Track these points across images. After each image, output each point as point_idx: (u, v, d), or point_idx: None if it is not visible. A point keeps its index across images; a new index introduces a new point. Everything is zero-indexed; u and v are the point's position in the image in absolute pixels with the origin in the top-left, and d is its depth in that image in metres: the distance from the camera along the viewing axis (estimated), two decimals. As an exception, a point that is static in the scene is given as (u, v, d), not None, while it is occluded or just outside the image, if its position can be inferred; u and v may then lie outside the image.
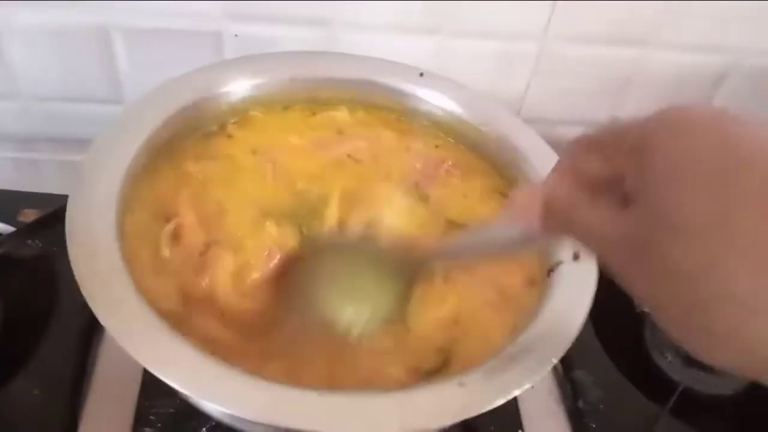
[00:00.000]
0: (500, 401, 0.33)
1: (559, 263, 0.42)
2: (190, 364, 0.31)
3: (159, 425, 0.44)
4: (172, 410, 0.44)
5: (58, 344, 0.47)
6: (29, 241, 0.52)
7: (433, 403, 0.32)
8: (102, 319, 0.32)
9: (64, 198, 0.52)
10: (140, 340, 0.31)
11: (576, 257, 0.42)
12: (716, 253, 0.22)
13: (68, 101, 0.64)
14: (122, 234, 0.37)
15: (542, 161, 0.48)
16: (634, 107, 0.69)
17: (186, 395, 0.32)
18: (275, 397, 0.31)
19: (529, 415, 0.48)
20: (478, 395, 0.33)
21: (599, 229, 0.27)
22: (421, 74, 0.53)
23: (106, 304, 0.33)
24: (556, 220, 0.30)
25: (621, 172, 0.26)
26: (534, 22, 0.61)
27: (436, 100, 0.52)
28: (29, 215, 0.53)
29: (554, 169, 0.30)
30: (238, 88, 0.49)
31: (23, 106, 0.64)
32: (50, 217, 0.52)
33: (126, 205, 0.39)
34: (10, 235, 0.51)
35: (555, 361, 0.36)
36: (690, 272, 0.23)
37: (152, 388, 0.45)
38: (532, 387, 0.34)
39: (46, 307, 0.49)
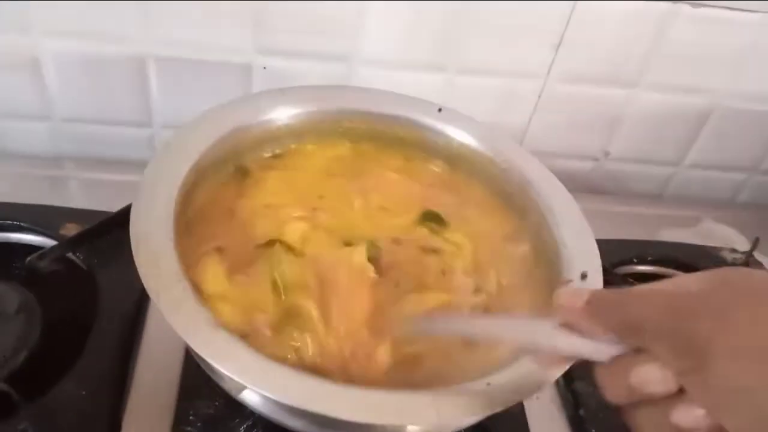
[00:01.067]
0: (519, 399, 0.37)
1: (568, 282, 0.46)
2: (244, 358, 0.36)
3: (198, 425, 0.47)
4: (210, 411, 0.47)
5: (101, 349, 0.50)
6: (71, 254, 0.55)
7: (465, 400, 0.36)
8: (166, 315, 0.36)
9: (102, 214, 0.57)
10: (198, 333, 0.36)
11: (584, 276, 0.46)
12: None
13: (99, 124, 0.68)
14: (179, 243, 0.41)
15: (546, 188, 0.53)
16: (625, 142, 0.75)
17: (238, 383, 0.35)
18: (326, 390, 0.35)
19: (534, 421, 0.52)
20: (500, 394, 0.37)
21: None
22: (440, 110, 0.57)
23: (170, 303, 0.37)
24: (604, 314, 0.31)
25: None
26: (537, 61, 0.67)
27: (452, 133, 0.57)
28: (71, 229, 0.56)
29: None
30: (279, 116, 0.53)
31: (56, 126, 0.68)
32: (91, 231, 0.55)
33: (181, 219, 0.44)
34: (55, 247, 0.54)
35: (564, 369, 0.40)
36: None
37: (191, 390, 0.48)
38: (537, 398, 0.38)
39: (89, 315, 0.52)
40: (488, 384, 0.38)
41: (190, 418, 0.47)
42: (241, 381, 0.35)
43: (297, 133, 0.53)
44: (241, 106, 0.52)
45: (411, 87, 0.61)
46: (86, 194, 0.68)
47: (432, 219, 0.52)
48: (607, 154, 0.76)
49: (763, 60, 0.69)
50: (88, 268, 0.55)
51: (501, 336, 0.39)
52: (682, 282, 0.30)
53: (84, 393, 0.47)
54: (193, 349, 0.36)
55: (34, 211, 0.58)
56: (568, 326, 0.32)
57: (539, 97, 0.69)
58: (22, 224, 0.57)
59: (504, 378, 0.38)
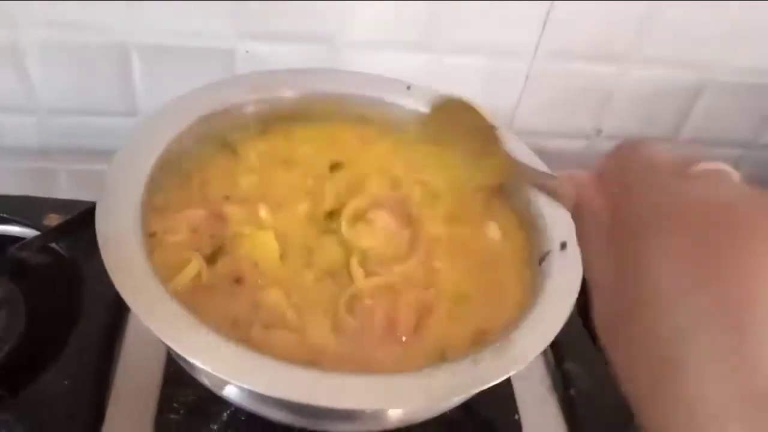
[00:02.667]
0: (505, 376, 0.36)
1: (548, 252, 0.46)
2: (220, 351, 0.35)
3: (182, 412, 0.47)
4: (193, 398, 0.47)
5: (84, 339, 0.50)
6: (54, 244, 0.55)
7: (453, 379, 0.36)
8: (142, 317, 0.35)
9: (85, 204, 0.56)
10: (178, 334, 0.35)
11: (563, 246, 0.46)
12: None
13: (85, 114, 0.67)
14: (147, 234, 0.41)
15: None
16: (616, 119, 0.74)
17: (216, 376, 0.35)
18: (309, 377, 0.35)
19: (524, 402, 0.52)
20: (489, 371, 0.36)
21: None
22: (408, 87, 0.56)
23: (144, 304, 0.36)
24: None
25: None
26: (525, 39, 0.66)
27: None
28: (54, 220, 0.56)
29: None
30: (245, 101, 0.52)
31: (41, 119, 0.67)
32: (73, 221, 0.55)
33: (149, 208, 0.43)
34: (36, 238, 0.54)
35: (549, 341, 0.39)
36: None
37: (174, 378, 0.48)
38: (526, 368, 0.38)
39: (72, 305, 0.52)
40: (474, 362, 0.37)
41: (174, 405, 0.47)
42: (223, 377, 0.34)
43: (263, 119, 0.53)
44: (203, 94, 0.51)
45: (396, 68, 0.60)
46: (73, 185, 0.68)
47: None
48: (599, 132, 0.75)
49: (756, 33, 0.68)
50: (72, 258, 0.55)
51: None
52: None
53: (67, 384, 0.47)
54: (173, 349, 0.35)
55: (17, 201, 0.58)
56: None
57: (528, 75, 0.68)
58: (4, 215, 0.57)
59: (489, 354, 0.38)
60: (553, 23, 0.64)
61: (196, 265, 0.42)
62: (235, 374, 0.34)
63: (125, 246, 0.39)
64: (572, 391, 0.52)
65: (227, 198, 0.47)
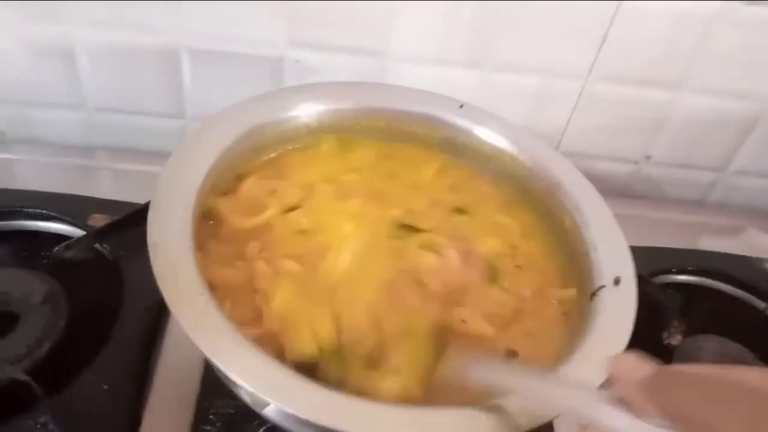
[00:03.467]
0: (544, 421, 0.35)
1: (601, 287, 0.44)
2: (267, 372, 0.34)
3: (218, 424, 0.46)
4: (231, 411, 0.47)
5: (124, 343, 0.49)
6: (98, 245, 0.55)
7: (495, 419, 0.35)
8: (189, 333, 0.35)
9: (130, 205, 0.56)
10: (223, 350, 0.35)
11: (617, 282, 0.44)
12: None
13: (131, 114, 0.68)
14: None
15: (577, 191, 0.51)
16: (667, 146, 0.72)
17: (256, 396, 0.34)
18: (355, 405, 0.34)
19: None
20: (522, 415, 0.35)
21: None
22: (461, 106, 0.55)
23: (192, 318, 0.36)
24: (664, 395, 0.28)
25: None
26: (578, 60, 0.64)
27: (476, 131, 0.55)
28: (98, 220, 0.56)
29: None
30: (304, 113, 0.52)
31: (88, 116, 0.68)
32: (119, 223, 0.54)
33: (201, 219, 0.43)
34: (82, 238, 0.53)
35: (599, 383, 0.38)
36: None
37: (212, 388, 0.48)
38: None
39: (113, 307, 0.51)
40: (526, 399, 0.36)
41: (210, 417, 0.46)
42: (266, 398, 0.33)
43: (316, 130, 0.52)
44: (258, 103, 0.50)
45: (444, 84, 0.59)
46: (117, 185, 0.68)
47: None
48: (648, 157, 0.73)
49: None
50: (115, 259, 0.54)
51: (541, 396, 0.35)
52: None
53: (106, 387, 0.47)
54: (215, 365, 0.35)
55: (62, 200, 0.58)
56: (618, 399, 0.29)
57: (579, 96, 0.67)
58: (50, 213, 0.57)
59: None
60: (609, 45, 0.63)
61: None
62: (276, 396, 0.34)
63: (175, 254, 0.39)
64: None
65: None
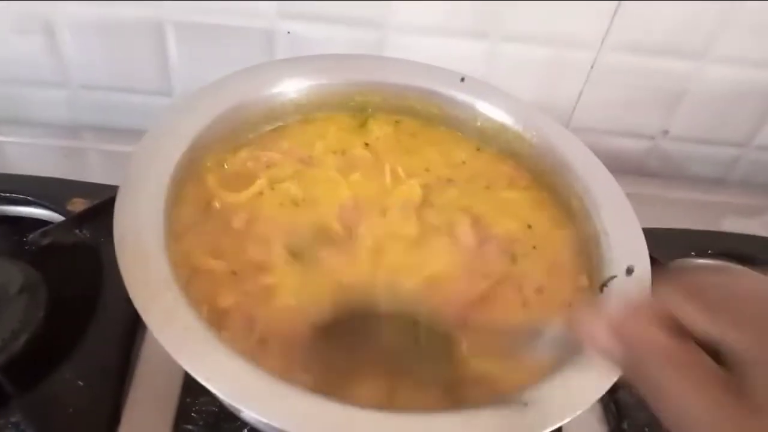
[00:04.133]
0: (559, 423, 0.32)
1: (612, 278, 0.41)
2: (239, 376, 0.32)
3: (201, 423, 0.43)
4: (214, 408, 0.44)
5: (102, 336, 0.47)
6: (77, 231, 0.52)
7: (498, 422, 0.32)
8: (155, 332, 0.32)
9: (112, 189, 0.52)
10: (191, 352, 0.32)
11: (629, 272, 0.41)
12: None
13: (118, 91, 0.65)
14: (171, 235, 0.37)
15: (586, 170, 0.47)
16: (686, 120, 0.67)
17: (232, 405, 0.31)
18: (336, 414, 0.31)
19: (572, 432, 0.47)
20: (540, 415, 0.32)
21: (694, 404, 0.23)
22: (462, 79, 0.51)
23: (158, 315, 0.33)
24: (629, 359, 0.26)
25: (728, 342, 0.23)
26: (591, 29, 0.60)
27: (478, 106, 0.51)
28: (78, 204, 0.53)
29: (637, 307, 0.27)
30: (287, 89, 0.48)
31: (73, 94, 0.64)
32: (99, 207, 0.52)
33: (173, 205, 0.39)
34: (59, 225, 0.51)
35: (612, 380, 0.35)
36: None
37: (195, 384, 0.44)
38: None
39: (92, 297, 0.49)
40: (524, 404, 0.33)
41: (193, 415, 0.44)
42: (240, 407, 0.31)
43: (303, 108, 0.48)
44: (240, 79, 0.47)
45: (449, 56, 0.55)
46: (103, 166, 0.65)
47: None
48: (665, 132, 0.69)
49: None
50: (95, 246, 0.52)
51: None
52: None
53: (82, 384, 0.44)
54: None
55: (41, 183, 0.55)
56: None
57: (592, 68, 0.62)
58: (27, 197, 0.54)
59: (544, 394, 0.34)
60: (623, 12, 0.58)
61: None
62: (246, 403, 0.31)
63: (144, 246, 0.36)
64: (625, 425, 0.48)
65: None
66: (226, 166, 0.45)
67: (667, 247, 0.56)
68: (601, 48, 0.61)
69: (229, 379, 0.31)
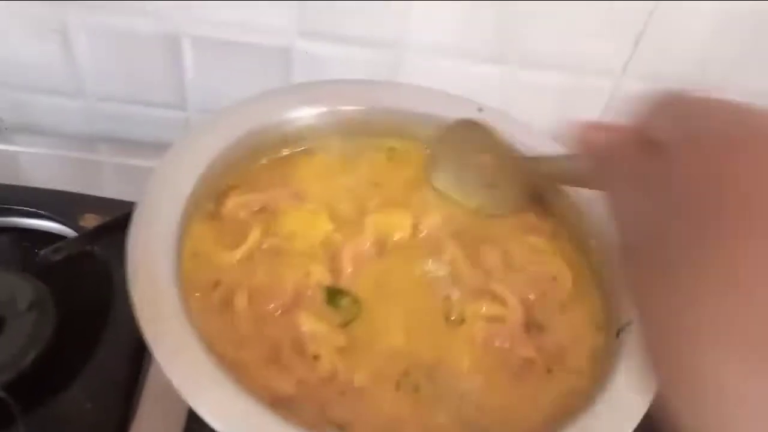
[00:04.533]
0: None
1: (629, 323, 0.40)
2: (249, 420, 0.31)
3: (207, 450, 0.43)
4: (222, 433, 0.44)
5: (111, 356, 0.46)
6: (89, 247, 0.52)
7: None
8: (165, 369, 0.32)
9: (125, 204, 0.53)
10: (203, 392, 0.31)
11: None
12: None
13: (132, 103, 0.64)
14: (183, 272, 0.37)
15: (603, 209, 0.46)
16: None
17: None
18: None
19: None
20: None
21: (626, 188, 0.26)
22: (480, 110, 0.51)
23: (169, 353, 0.32)
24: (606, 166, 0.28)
25: (656, 132, 0.25)
26: (612, 57, 0.59)
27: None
28: (90, 220, 0.53)
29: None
30: (302, 115, 0.47)
31: (87, 105, 0.64)
32: (111, 224, 0.51)
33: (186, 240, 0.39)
34: (72, 241, 0.51)
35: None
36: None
37: (202, 410, 0.45)
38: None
39: (101, 314, 0.48)
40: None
41: (199, 441, 0.43)
42: None
43: (321, 134, 0.48)
44: (255, 105, 0.46)
45: (466, 80, 0.55)
46: (117, 180, 0.65)
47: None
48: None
49: None
50: (105, 262, 0.51)
51: None
52: None
53: (90, 404, 0.44)
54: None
55: (53, 197, 0.55)
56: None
57: (611, 97, 0.62)
58: (39, 211, 0.54)
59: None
60: (646, 41, 0.58)
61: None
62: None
63: (157, 274, 0.35)
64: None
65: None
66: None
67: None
68: (623, 76, 0.60)
69: (234, 419, 0.31)
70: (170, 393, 0.46)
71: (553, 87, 0.62)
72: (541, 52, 0.59)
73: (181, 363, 0.32)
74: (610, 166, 0.28)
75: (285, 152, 0.47)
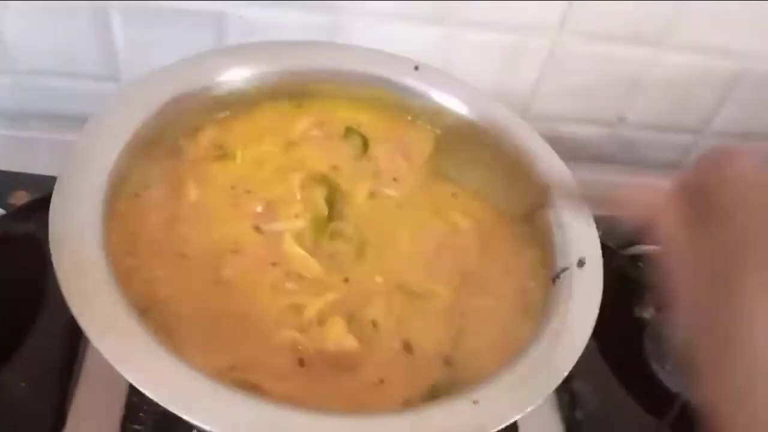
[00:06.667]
0: (514, 418, 0.32)
1: (564, 269, 0.41)
2: (182, 384, 0.31)
3: (149, 423, 0.43)
4: (163, 409, 0.43)
5: (46, 334, 0.45)
6: (20, 225, 0.50)
7: (448, 423, 0.31)
8: (95, 341, 0.31)
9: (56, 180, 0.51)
10: (134, 361, 0.31)
11: (581, 263, 0.41)
12: None
13: (63, 77, 0.62)
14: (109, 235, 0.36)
15: (544, 160, 0.47)
16: (642, 108, 0.68)
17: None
18: (278, 417, 0.30)
19: (525, 423, 0.47)
20: (491, 412, 0.32)
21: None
22: (416, 67, 0.50)
23: (97, 323, 0.31)
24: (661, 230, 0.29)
25: None
26: (549, 15, 0.59)
27: (434, 96, 0.50)
28: (21, 197, 0.51)
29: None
30: (233, 78, 0.46)
31: (16, 80, 0.62)
32: (43, 200, 0.49)
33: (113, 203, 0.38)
34: (1, 218, 0.49)
35: (566, 373, 0.35)
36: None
37: (143, 384, 0.44)
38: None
39: (35, 294, 0.47)
40: (475, 402, 0.33)
41: (141, 415, 0.43)
42: (190, 420, 0.30)
43: (250, 99, 0.47)
44: (183, 69, 0.45)
45: (405, 42, 0.54)
46: (51, 156, 0.62)
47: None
48: (622, 119, 0.69)
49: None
50: (39, 240, 0.50)
51: None
52: None
53: (25, 386, 0.43)
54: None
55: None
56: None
57: (550, 55, 0.62)
58: (-35, 191, 0.52)
59: (495, 392, 0.34)
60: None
61: None
62: (189, 411, 0.30)
63: (81, 244, 0.34)
64: (578, 414, 0.48)
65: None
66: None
67: (619, 233, 0.56)
68: (560, 34, 0.60)
69: (171, 387, 0.30)
70: (110, 368, 0.45)
71: (493, 47, 0.61)
72: (478, 13, 0.59)
73: (112, 334, 0.31)
74: (666, 230, 0.28)
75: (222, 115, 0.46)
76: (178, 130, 0.44)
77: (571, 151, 0.47)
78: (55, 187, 0.36)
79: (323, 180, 0.44)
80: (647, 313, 0.58)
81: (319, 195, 0.43)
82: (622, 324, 0.56)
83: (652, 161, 0.73)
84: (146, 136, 0.41)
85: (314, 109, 0.48)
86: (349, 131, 0.48)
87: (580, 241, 0.41)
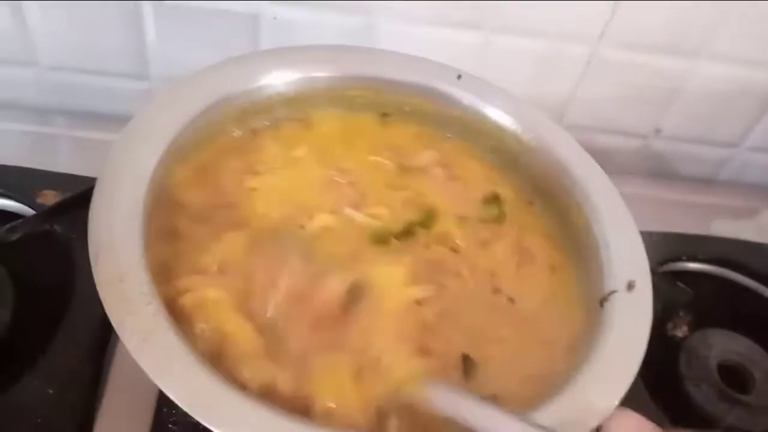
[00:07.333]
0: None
1: (612, 293, 0.39)
2: (221, 400, 0.30)
3: (180, 434, 0.41)
4: (193, 420, 0.42)
5: (74, 339, 0.44)
6: (47, 226, 0.49)
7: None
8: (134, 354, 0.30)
9: (84, 180, 0.50)
10: (173, 376, 0.30)
11: (630, 287, 0.39)
12: None
13: (90, 73, 0.61)
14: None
15: (584, 173, 0.45)
16: (679, 119, 0.66)
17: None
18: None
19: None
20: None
21: None
22: (459, 76, 0.49)
23: (137, 335, 0.30)
24: None
25: None
26: (590, 23, 0.58)
27: (477, 106, 0.49)
28: (49, 197, 0.50)
29: None
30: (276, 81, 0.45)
31: (41, 74, 0.61)
32: (71, 201, 0.49)
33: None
34: (29, 219, 0.48)
35: (617, 402, 0.34)
36: None
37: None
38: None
39: (63, 297, 0.46)
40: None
41: (170, 426, 0.42)
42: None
43: (293, 103, 0.45)
44: (225, 71, 0.44)
45: (440, 47, 0.53)
46: (75, 155, 0.61)
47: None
48: (658, 131, 0.67)
49: None
50: (66, 242, 0.49)
51: None
52: None
53: (52, 392, 0.41)
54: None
55: (10, 173, 0.52)
56: None
57: (588, 64, 0.61)
58: (-5, 188, 0.51)
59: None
60: (623, 8, 0.56)
61: None
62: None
63: (123, 254, 0.33)
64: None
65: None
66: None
67: (656, 250, 0.55)
68: (599, 43, 0.59)
69: (209, 403, 0.29)
70: (139, 377, 0.44)
71: (529, 54, 0.60)
72: (515, 18, 0.58)
73: (150, 347, 0.30)
74: None
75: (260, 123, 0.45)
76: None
77: (601, 161, 0.46)
78: (94, 193, 0.35)
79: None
80: (680, 332, 0.56)
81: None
82: (654, 343, 0.54)
83: (684, 175, 0.72)
84: (185, 142, 0.40)
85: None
86: (492, 199, 0.46)
87: (627, 259, 0.40)
